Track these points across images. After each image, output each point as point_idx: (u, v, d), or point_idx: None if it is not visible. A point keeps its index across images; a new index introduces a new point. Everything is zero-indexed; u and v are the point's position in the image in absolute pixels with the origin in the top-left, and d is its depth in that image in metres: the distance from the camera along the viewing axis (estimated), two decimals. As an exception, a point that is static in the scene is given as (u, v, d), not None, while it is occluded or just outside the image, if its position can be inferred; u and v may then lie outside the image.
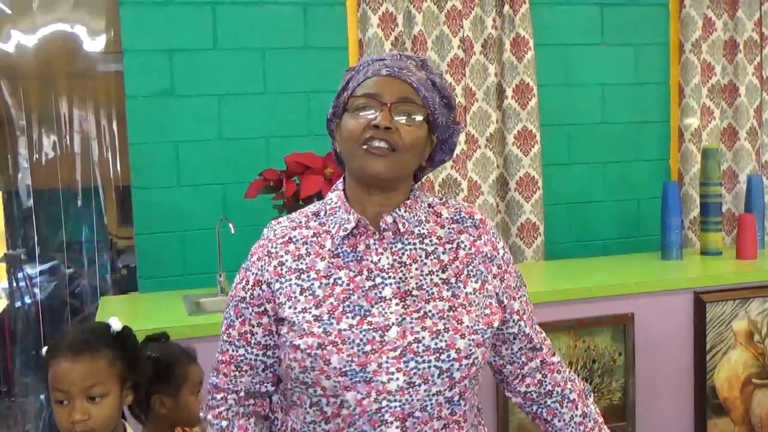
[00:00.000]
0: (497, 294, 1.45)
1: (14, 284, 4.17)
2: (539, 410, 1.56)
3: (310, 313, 1.34)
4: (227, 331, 1.45)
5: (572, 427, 1.54)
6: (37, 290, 4.13)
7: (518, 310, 1.49)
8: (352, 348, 1.30)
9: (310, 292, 1.36)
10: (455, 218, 1.46)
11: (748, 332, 3.06)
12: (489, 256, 1.45)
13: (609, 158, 3.73)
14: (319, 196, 2.75)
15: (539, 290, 2.85)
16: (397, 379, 1.30)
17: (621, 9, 3.70)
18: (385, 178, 1.36)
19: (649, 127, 3.80)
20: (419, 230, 1.42)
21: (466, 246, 1.44)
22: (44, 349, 1.66)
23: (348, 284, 1.36)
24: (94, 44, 3.80)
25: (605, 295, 2.90)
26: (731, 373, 3.06)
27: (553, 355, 1.57)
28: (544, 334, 1.57)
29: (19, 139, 3.87)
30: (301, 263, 1.38)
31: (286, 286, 1.37)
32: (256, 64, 3.23)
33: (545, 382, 1.54)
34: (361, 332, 1.32)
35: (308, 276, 1.37)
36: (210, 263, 3.09)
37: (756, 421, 3.12)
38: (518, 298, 1.50)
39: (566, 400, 1.55)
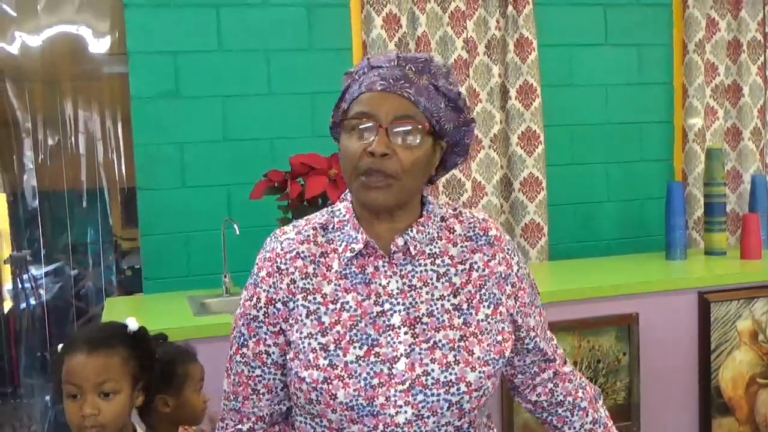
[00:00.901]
0: (511, 314, 1.40)
1: (19, 285, 4.18)
2: (549, 418, 1.55)
3: (315, 340, 1.29)
4: (240, 351, 1.37)
5: None
6: (42, 291, 4.14)
7: (533, 326, 1.45)
8: (359, 382, 1.26)
9: (316, 316, 1.31)
10: (468, 235, 1.39)
11: (753, 332, 3.06)
12: (503, 275, 1.39)
13: (613, 158, 3.73)
14: (324, 196, 2.76)
15: (543, 290, 2.82)
16: (405, 412, 1.26)
17: (624, 9, 3.70)
18: (387, 208, 1.30)
19: (653, 128, 3.80)
20: (431, 249, 1.36)
21: (479, 267, 1.37)
22: (59, 346, 1.67)
23: (355, 309, 1.30)
24: (99, 46, 3.81)
25: (609, 295, 2.90)
26: (736, 373, 3.06)
27: (565, 364, 1.55)
28: (555, 342, 1.55)
29: (24, 140, 3.88)
30: (308, 283, 1.32)
31: (295, 307, 1.32)
32: (260, 66, 3.24)
33: (556, 391, 1.53)
34: (368, 365, 1.27)
35: (314, 298, 1.32)
36: (215, 264, 3.09)
37: (761, 420, 3.12)
38: (533, 313, 1.45)
39: (577, 408, 1.53)
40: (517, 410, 2.77)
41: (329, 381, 1.26)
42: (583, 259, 3.59)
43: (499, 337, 1.36)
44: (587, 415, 1.53)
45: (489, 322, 1.35)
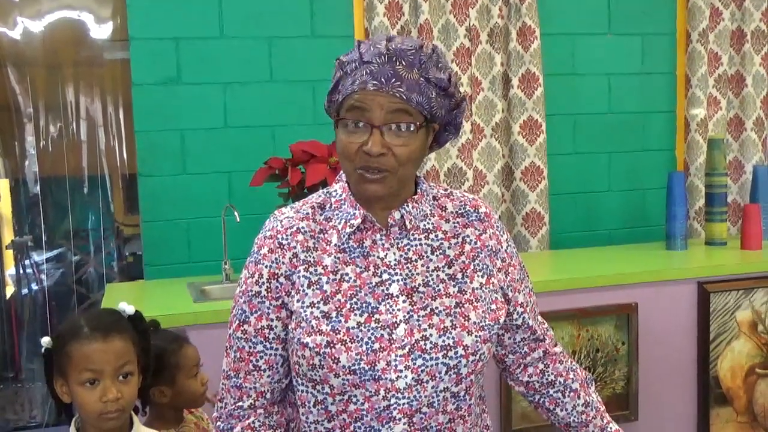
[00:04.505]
0: (502, 287, 1.45)
1: (21, 271, 4.19)
2: (542, 400, 1.57)
3: (318, 308, 1.33)
4: (241, 328, 1.39)
5: (574, 416, 1.55)
6: (43, 277, 4.16)
7: (522, 303, 1.50)
8: (360, 346, 1.30)
9: (318, 286, 1.35)
10: (460, 212, 1.46)
11: (752, 322, 3.07)
12: (494, 249, 1.45)
13: (615, 148, 3.73)
14: (324, 184, 2.76)
15: (544, 279, 2.85)
16: (406, 376, 1.31)
17: (628, -2, 3.69)
18: (384, 197, 1.35)
19: (656, 117, 3.79)
20: (425, 225, 1.41)
21: (471, 240, 1.44)
22: (48, 338, 1.66)
23: (355, 281, 1.36)
24: (101, 31, 3.81)
25: (609, 284, 2.90)
26: (734, 363, 3.06)
27: (556, 345, 1.58)
28: (546, 325, 1.58)
29: (25, 126, 3.89)
30: (309, 256, 1.37)
31: (297, 278, 1.36)
32: (262, 53, 3.23)
33: (547, 372, 1.56)
34: (369, 330, 1.32)
35: (315, 270, 1.36)
36: (215, 251, 3.10)
37: (759, 410, 3.12)
38: (522, 290, 1.50)
39: (568, 389, 1.56)
40: (515, 399, 2.78)
41: (332, 345, 1.30)
42: (584, 249, 3.59)
43: (493, 306, 1.42)
44: (579, 397, 1.56)
45: (483, 291, 1.41)
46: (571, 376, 1.57)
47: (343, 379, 1.30)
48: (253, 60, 3.22)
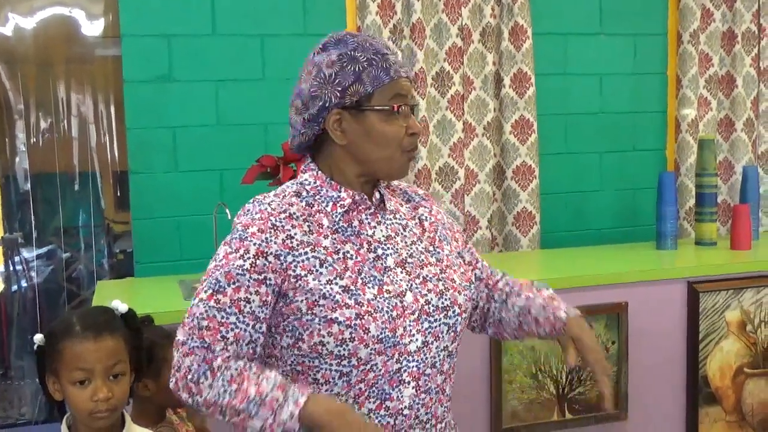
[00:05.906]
0: (459, 252, 1.59)
1: (11, 268, 4.18)
2: (507, 315, 1.68)
3: (336, 284, 1.38)
4: (215, 297, 1.36)
5: (537, 308, 1.66)
6: (33, 274, 4.15)
7: (470, 261, 1.67)
8: (383, 315, 1.38)
9: (328, 263, 1.40)
10: (406, 198, 1.60)
11: (741, 322, 3.08)
12: (442, 222, 1.61)
13: (606, 148, 3.74)
14: (316, 182, 2.76)
15: (535, 279, 2.85)
16: (417, 340, 1.40)
17: (620, -1, 3.70)
18: None
19: (647, 117, 3.80)
20: (389, 206, 1.52)
21: (426, 218, 1.58)
22: (41, 335, 1.66)
23: (356, 257, 1.42)
24: (93, 28, 3.80)
25: (600, 284, 2.91)
26: (723, 363, 3.08)
27: (498, 278, 1.73)
28: (490, 269, 1.74)
29: (16, 122, 3.88)
30: (309, 238, 1.41)
31: (303, 259, 1.38)
32: (254, 50, 3.23)
33: (508, 287, 1.71)
34: (385, 300, 1.39)
35: (319, 251, 1.41)
36: (206, 249, 3.09)
37: (747, 410, 3.14)
38: (468, 250, 1.67)
39: (516, 287, 1.70)
40: (505, 398, 2.79)
41: (361, 316, 1.37)
42: (575, 248, 3.60)
43: (462, 269, 1.57)
44: (525, 287, 1.70)
45: (453, 256, 1.57)
46: (510, 281, 1.73)
47: (371, 349, 1.36)
48: (245, 57, 3.22)
